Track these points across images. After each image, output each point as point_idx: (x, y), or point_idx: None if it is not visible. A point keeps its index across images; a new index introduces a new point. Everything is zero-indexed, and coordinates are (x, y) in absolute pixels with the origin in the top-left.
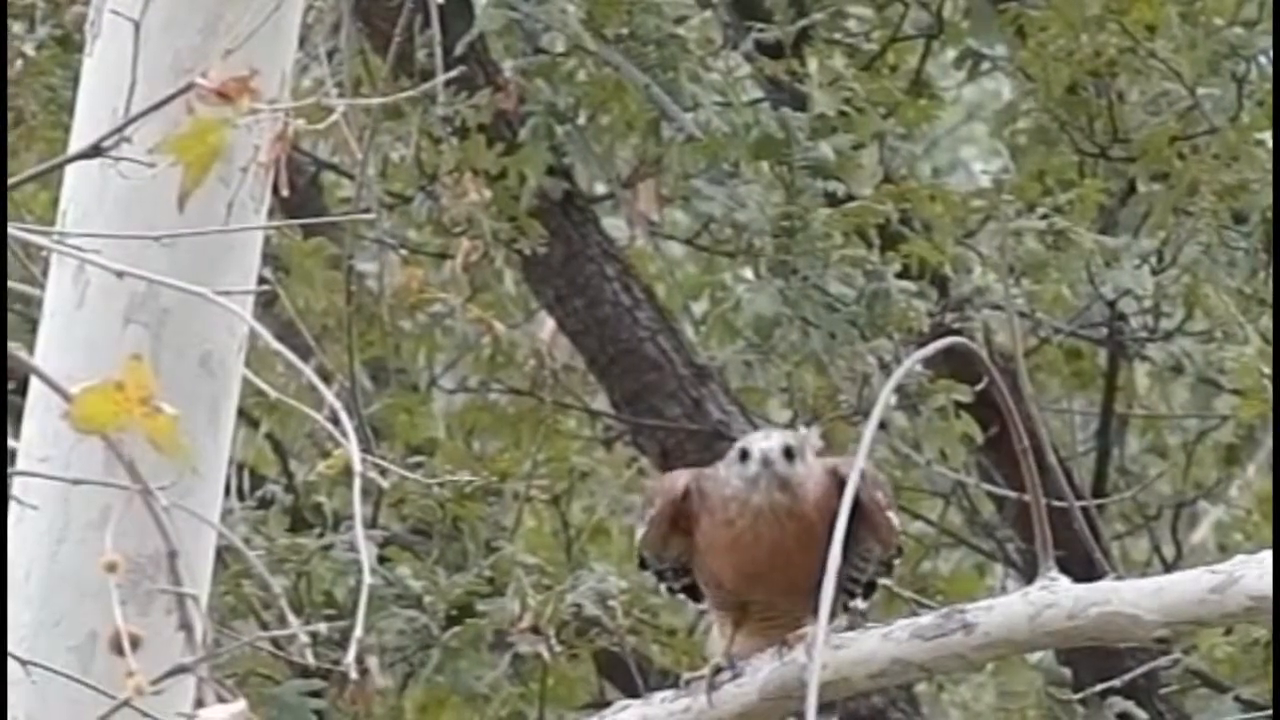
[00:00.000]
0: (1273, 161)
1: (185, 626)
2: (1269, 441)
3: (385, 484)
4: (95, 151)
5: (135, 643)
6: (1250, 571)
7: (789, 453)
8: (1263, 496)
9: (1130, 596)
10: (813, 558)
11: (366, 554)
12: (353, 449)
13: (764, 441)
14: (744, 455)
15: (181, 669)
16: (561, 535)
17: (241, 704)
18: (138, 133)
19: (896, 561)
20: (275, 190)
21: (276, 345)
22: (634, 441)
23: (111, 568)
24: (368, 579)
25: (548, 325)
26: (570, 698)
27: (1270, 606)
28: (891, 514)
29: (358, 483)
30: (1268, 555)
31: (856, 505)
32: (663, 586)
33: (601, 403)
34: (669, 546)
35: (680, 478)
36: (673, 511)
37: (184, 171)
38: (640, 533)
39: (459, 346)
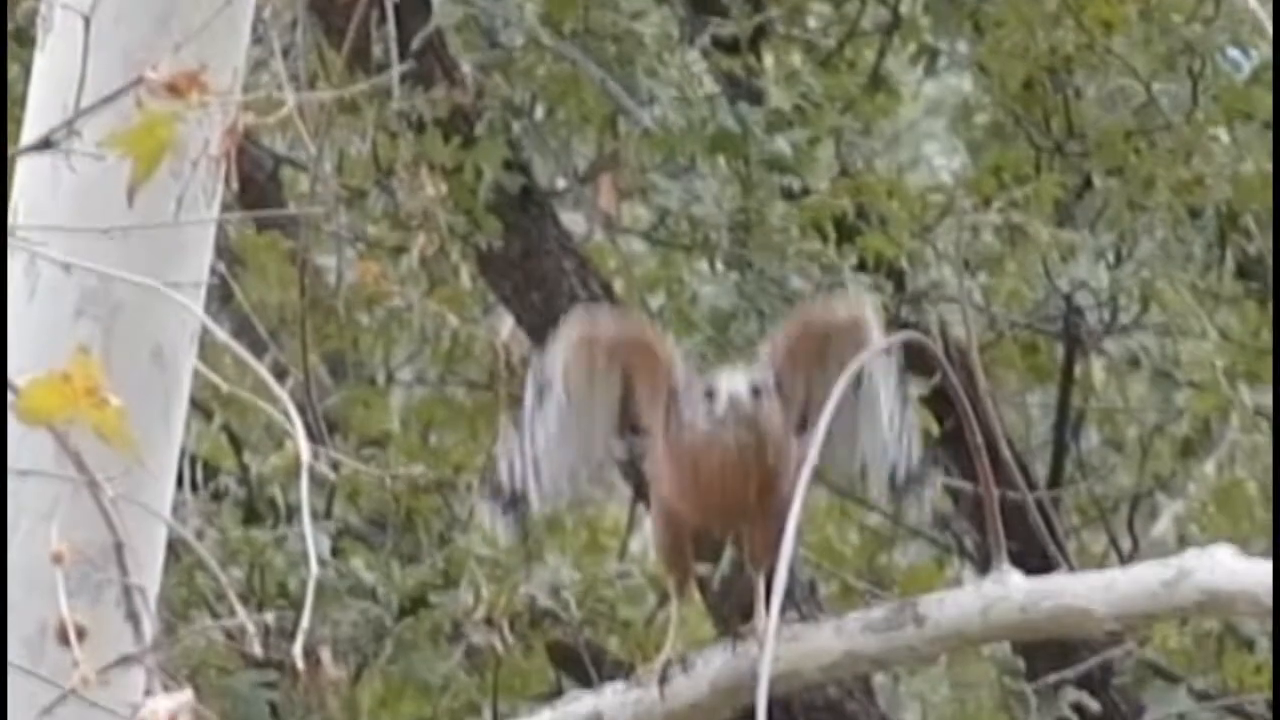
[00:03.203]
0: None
1: (132, 617)
2: (1227, 435)
3: (334, 477)
4: (45, 145)
5: (82, 634)
6: (1201, 566)
7: (755, 391)
8: (1218, 490)
9: (1082, 590)
10: (778, 495)
11: (318, 546)
12: (301, 442)
13: (730, 381)
14: (710, 394)
15: (128, 659)
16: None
17: (188, 694)
18: (88, 127)
19: None
20: (229, 184)
21: (227, 340)
22: None
23: (58, 559)
24: (315, 570)
25: (507, 322)
26: (524, 689)
27: (1222, 601)
28: None
29: (305, 475)
30: (1219, 549)
31: None
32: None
33: None
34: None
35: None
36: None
37: (133, 165)
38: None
39: (416, 340)
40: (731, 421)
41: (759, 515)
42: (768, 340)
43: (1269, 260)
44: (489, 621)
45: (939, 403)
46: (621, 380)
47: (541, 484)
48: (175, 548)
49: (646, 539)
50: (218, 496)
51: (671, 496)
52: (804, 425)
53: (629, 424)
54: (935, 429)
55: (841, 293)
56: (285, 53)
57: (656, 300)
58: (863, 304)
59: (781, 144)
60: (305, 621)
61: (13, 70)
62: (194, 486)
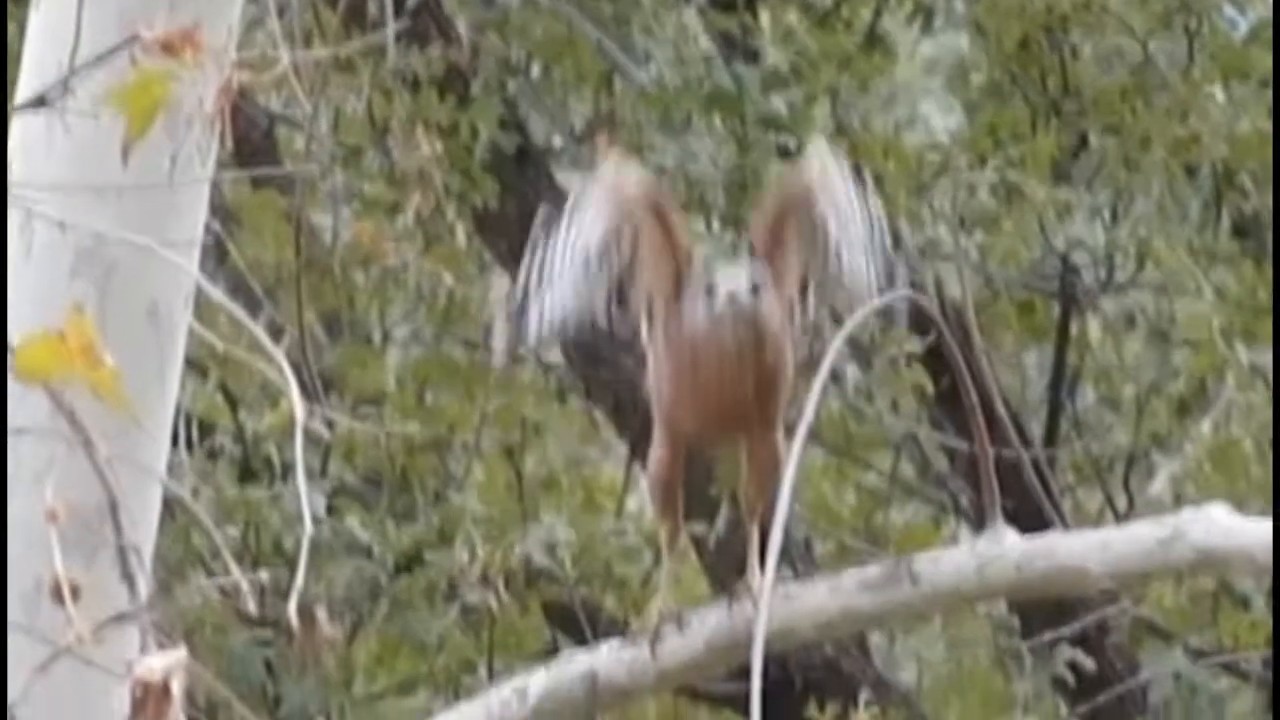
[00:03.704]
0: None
1: (127, 576)
2: (1223, 395)
3: (329, 436)
4: (40, 103)
5: (76, 592)
6: (1197, 525)
7: (754, 288)
8: (1214, 449)
9: (1077, 549)
10: (777, 401)
11: (313, 505)
12: (295, 400)
13: (728, 278)
14: (709, 291)
15: (122, 617)
16: (515, 488)
17: (182, 652)
18: (83, 86)
19: None
20: (224, 143)
21: (221, 299)
22: (587, 394)
23: (52, 517)
24: (309, 529)
25: (503, 281)
26: (520, 647)
27: (1217, 559)
28: None
29: (299, 434)
30: (1214, 508)
31: None
32: None
33: (555, 356)
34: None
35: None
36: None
37: (127, 124)
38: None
39: (412, 299)
40: (730, 319)
41: (758, 425)
42: (750, 230)
43: (1265, 218)
44: (484, 580)
45: (935, 362)
46: (631, 245)
47: (544, 306)
48: (170, 506)
49: (643, 497)
50: (213, 455)
51: (670, 403)
52: (804, 290)
53: (626, 291)
54: (930, 388)
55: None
56: (280, 11)
57: None
58: (819, 153)
59: (777, 103)
60: (300, 580)
61: (9, 29)
62: (189, 445)
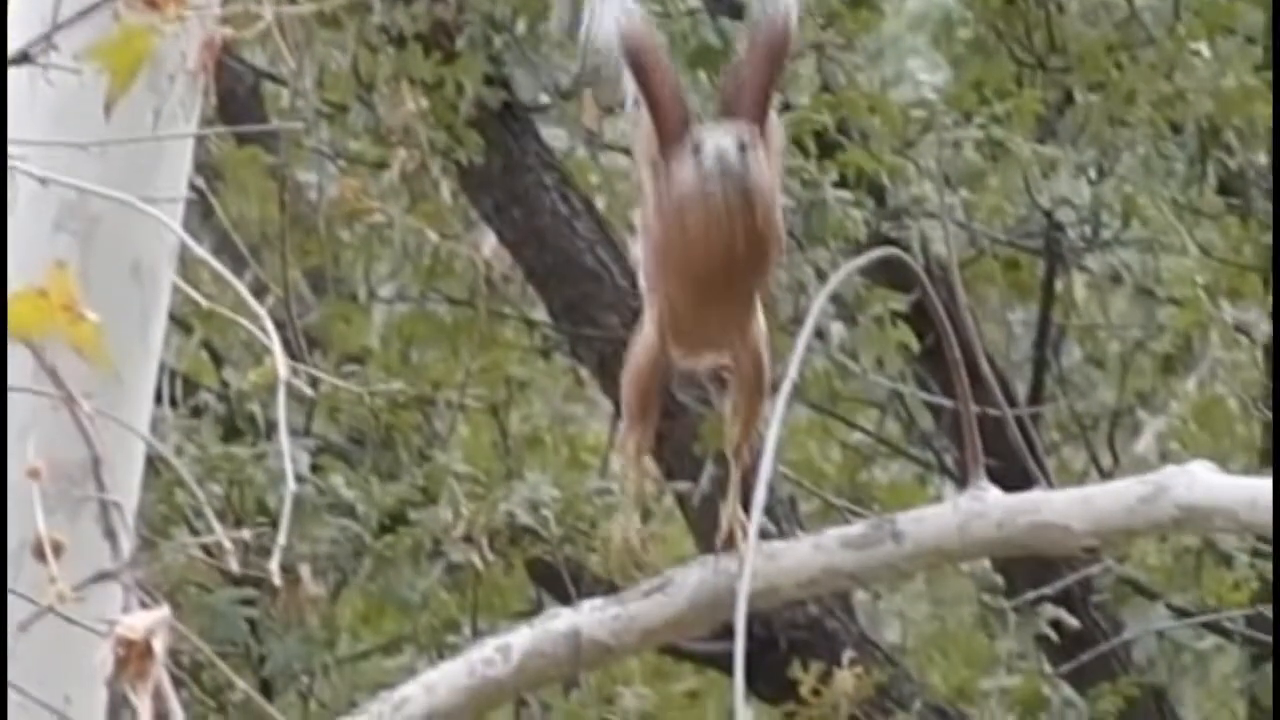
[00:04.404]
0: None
1: (110, 534)
2: (1209, 353)
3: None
4: (23, 59)
5: (59, 549)
6: (1179, 482)
7: (742, 147)
8: (1199, 407)
9: (1060, 506)
10: (767, 270)
11: (298, 463)
12: (279, 357)
13: (716, 136)
14: (696, 149)
15: (105, 575)
16: (499, 446)
17: (165, 610)
18: (66, 40)
19: None
20: (209, 99)
21: (204, 255)
22: (572, 352)
23: (34, 474)
24: (292, 487)
25: (489, 238)
26: (504, 606)
27: (1199, 516)
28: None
29: (282, 391)
30: (1197, 465)
31: None
32: None
33: (540, 313)
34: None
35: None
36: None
37: (110, 79)
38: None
39: (398, 257)
40: (718, 177)
41: (747, 299)
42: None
43: (1250, 175)
44: (468, 539)
45: (920, 319)
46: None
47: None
48: (154, 464)
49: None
50: (197, 412)
51: (658, 272)
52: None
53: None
54: (916, 346)
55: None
56: None
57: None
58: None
59: None
60: (283, 538)
61: None
62: (173, 402)
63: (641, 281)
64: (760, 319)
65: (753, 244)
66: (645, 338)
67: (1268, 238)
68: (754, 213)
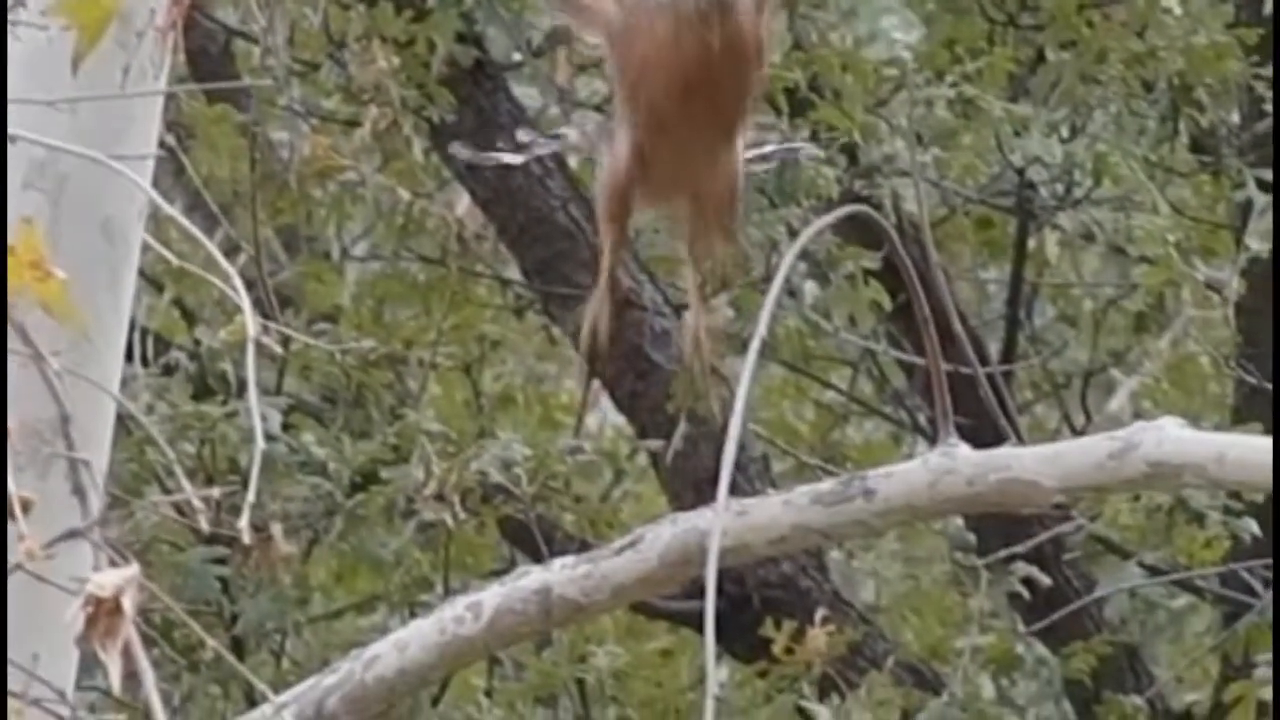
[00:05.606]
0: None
1: (79, 491)
2: (1183, 312)
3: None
4: None
5: (27, 507)
6: (1148, 438)
7: None
8: (1172, 365)
9: (1030, 463)
10: (746, 73)
11: (269, 421)
12: (248, 316)
13: None
14: None
15: (74, 533)
16: (472, 404)
17: (135, 568)
18: None
19: None
20: (178, 56)
21: (174, 214)
22: (545, 310)
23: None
24: (261, 444)
25: (462, 197)
26: (477, 564)
27: (1169, 472)
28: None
29: (252, 350)
30: (1167, 421)
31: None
32: None
33: (513, 271)
34: None
35: None
36: None
37: (78, 35)
38: None
39: (370, 215)
40: None
41: (725, 123)
42: None
43: (1221, 133)
44: (440, 497)
45: (893, 278)
46: None
47: None
48: (125, 422)
49: (603, 414)
50: (168, 370)
51: (631, 80)
52: None
53: None
54: (889, 304)
55: None
56: None
57: None
58: None
59: None
60: (254, 496)
61: None
62: (145, 361)
63: (615, 97)
64: (738, 154)
65: (729, 50)
66: (617, 154)
67: (1239, 195)
68: (729, 14)
